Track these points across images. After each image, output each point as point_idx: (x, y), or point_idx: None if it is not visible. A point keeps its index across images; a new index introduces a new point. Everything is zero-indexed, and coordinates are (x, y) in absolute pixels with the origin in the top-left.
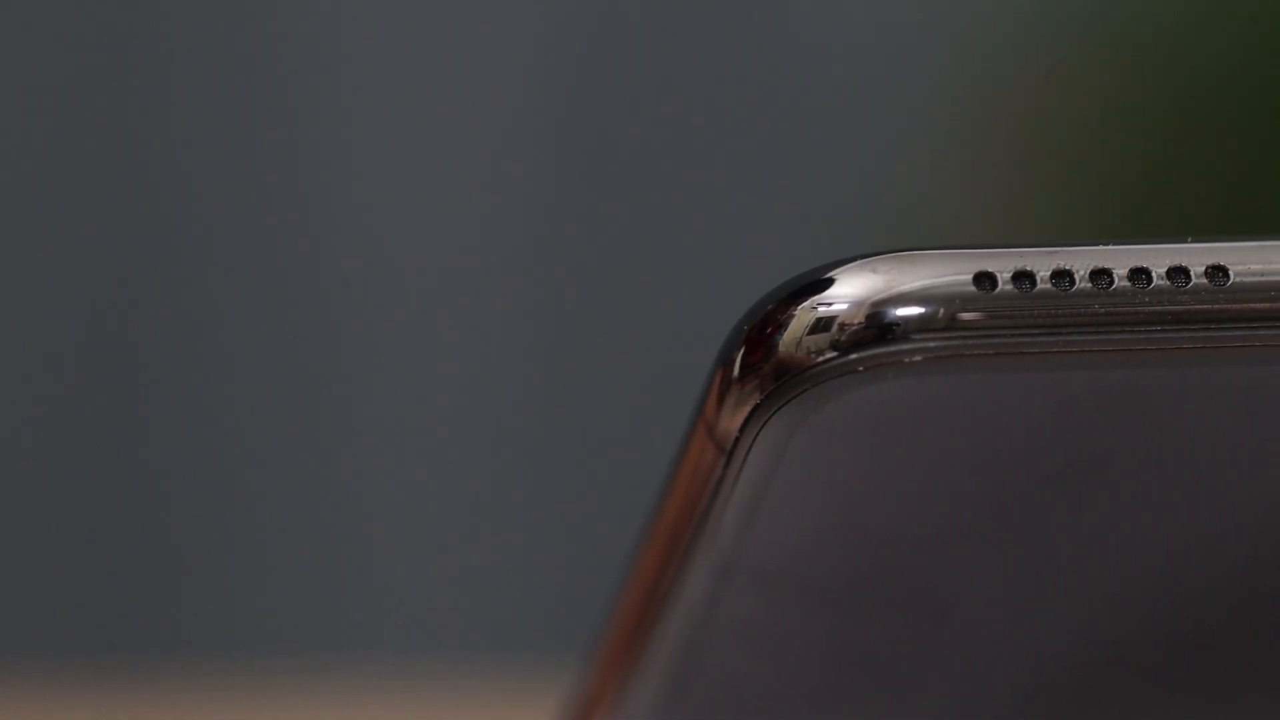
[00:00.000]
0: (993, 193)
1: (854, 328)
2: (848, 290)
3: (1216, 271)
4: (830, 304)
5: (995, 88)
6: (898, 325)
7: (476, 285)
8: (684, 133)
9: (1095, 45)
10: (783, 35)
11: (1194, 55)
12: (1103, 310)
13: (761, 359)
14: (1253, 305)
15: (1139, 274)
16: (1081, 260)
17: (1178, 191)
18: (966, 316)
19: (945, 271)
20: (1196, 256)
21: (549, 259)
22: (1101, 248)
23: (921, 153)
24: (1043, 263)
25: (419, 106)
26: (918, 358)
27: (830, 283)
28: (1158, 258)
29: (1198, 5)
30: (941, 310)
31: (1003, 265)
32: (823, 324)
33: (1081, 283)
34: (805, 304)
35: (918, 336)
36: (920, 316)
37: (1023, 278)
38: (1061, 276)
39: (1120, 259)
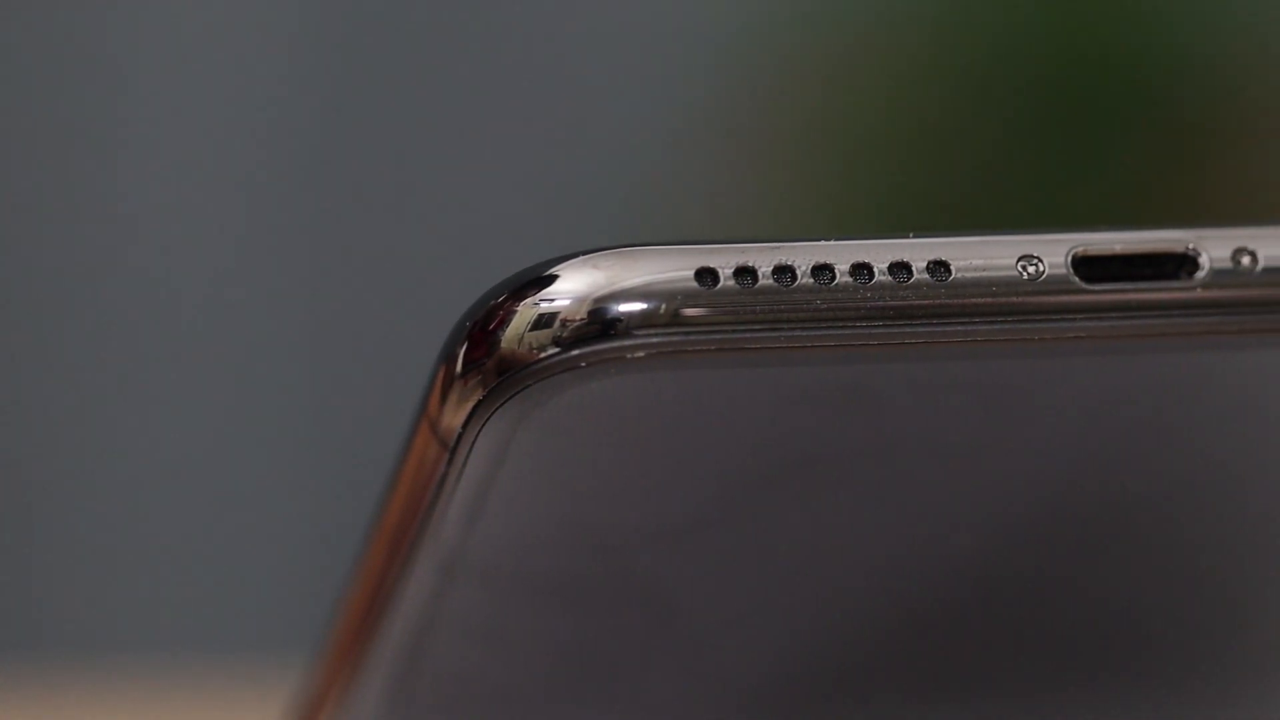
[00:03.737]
0: (746, 189)
1: (576, 324)
2: (570, 286)
3: (938, 267)
4: (552, 300)
5: (749, 85)
6: (620, 321)
7: (210, 284)
8: (432, 127)
9: (834, 45)
10: (527, 31)
11: (957, 54)
12: (824, 306)
13: (484, 355)
14: (974, 300)
15: (861, 269)
16: (803, 256)
17: (934, 186)
18: (688, 312)
19: (667, 267)
20: (918, 252)
21: (289, 258)
22: (824, 243)
23: (671, 150)
24: (764, 258)
25: (152, 107)
26: (640, 354)
27: (553, 279)
28: (879, 253)
29: (965, 5)
30: (663, 306)
31: (724, 261)
32: (545, 320)
33: (803, 278)
34: (528, 300)
35: (640, 332)
36: (642, 312)
37: (744, 273)
38: (783, 272)
39: (842, 254)
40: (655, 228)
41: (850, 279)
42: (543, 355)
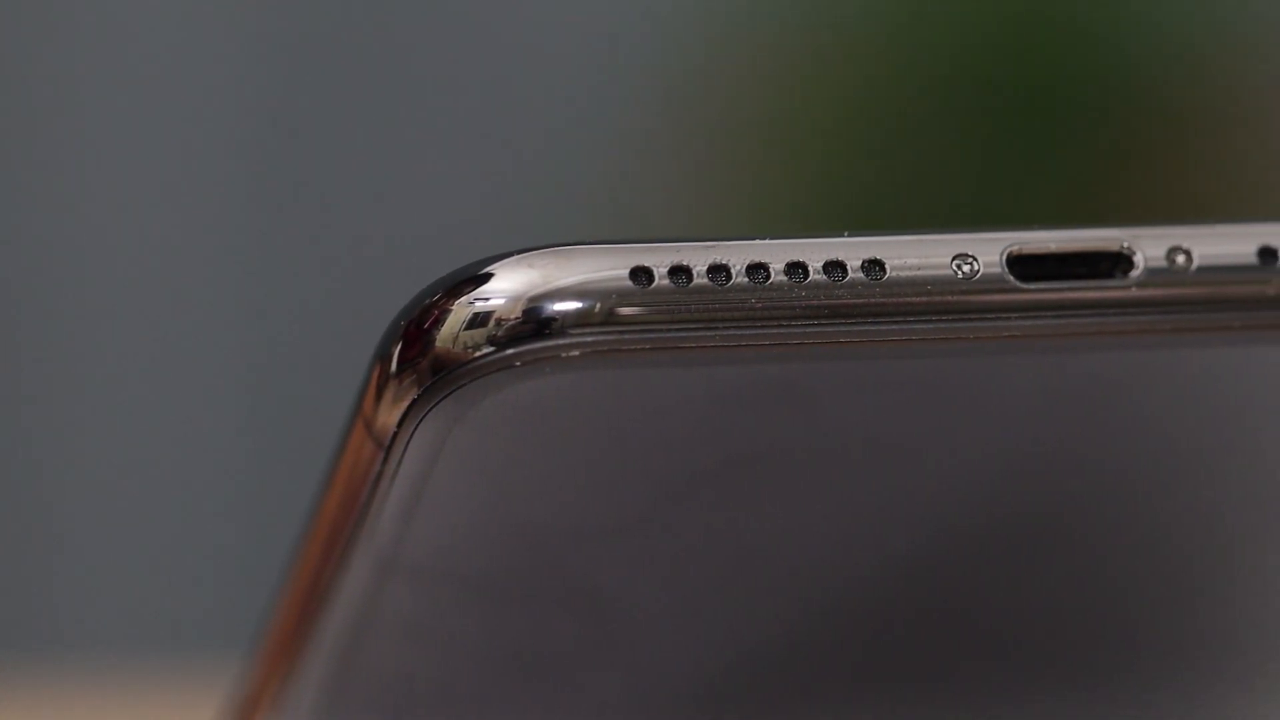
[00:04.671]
0: (681, 189)
1: (511, 323)
2: (505, 285)
3: (873, 266)
4: (487, 299)
5: (682, 86)
6: (554, 320)
7: (160, 282)
8: (372, 128)
9: (779, 46)
10: (469, 31)
11: (906, 57)
12: (759, 305)
13: (418, 354)
14: (909, 299)
15: (795, 268)
16: (738, 255)
17: (864, 188)
18: (623, 311)
19: (602, 266)
20: (853, 251)
21: (230, 257)
22: (758, 242)
23: (609, 148)
24: (699, 257)
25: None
26: (575, 353)
27: (488, 277)
28: (814, 252)
29: (879, 8)
30: (598, 305)
31: (659, 260)
32: (480, 319)
33: (738, 277)
34: (463, 299)
35: (574, 331)
36: (577, 311)
37: (679, 272)
38: (718, 271)
39: (777, 253)
40: (606, 228)
41: (785, 278)
42: (477, 354)
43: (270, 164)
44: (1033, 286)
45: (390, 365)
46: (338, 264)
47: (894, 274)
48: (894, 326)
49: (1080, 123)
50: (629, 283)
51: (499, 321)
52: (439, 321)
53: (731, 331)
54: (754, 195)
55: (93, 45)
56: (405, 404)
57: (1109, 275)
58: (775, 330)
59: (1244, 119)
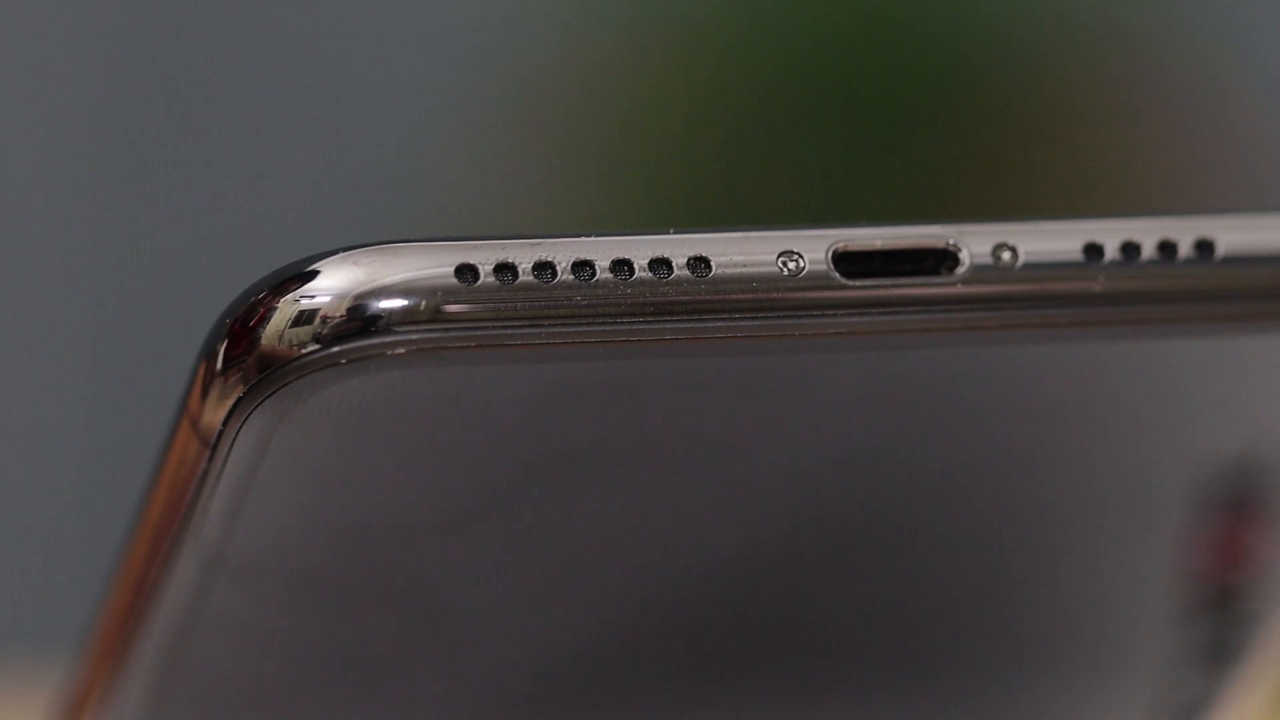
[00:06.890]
0: (517, 187)
1: (336, 320)
2: (330, 283)
3: (699, 263)
4: (313, 296)
5: (520, 84)
6: (380, 318)
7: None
8: (208, 123)
9: (618, 45)
10: (308, 26)
11: (714, 56)
12: (585, 301)
13: (244, 352)
14: (734, 296)
15: (621, 265)
16: (563, 251)
17: (701, 186)
18: (449, 309)
19: (427, 264)
20: (679, 248)
21: (63, 253)
22: (584, 239)
23: (445, 146)
24: (525, 254)
25: None
26: (400, 350)
27: (314, 275)
28: (640, 249)
29: (717, 8)
30: (423, 302)
31: (484, 257)
32: (305, 316)
33: (564, 274)
34: (288, 296)
35: (400, 329)
36: (402, 309)
37: (504, 270)
38: (543, 268)
39: (603, 250)
40: (441, 226)
41: (610, 275)
42: (303, 352)
43: (104, 159)
44: (858, 283)
45: (216, 363)
46: (168, 260)
47: (719, 271)
48: (720, 323)
49: (916, 122)
50: (454, 280)
51: (324, 319)
52: (264, 319)
53: (557, 329)
54: (590, 193)
55: None
56: (230, 402)
57: (935, 272)
58: (601, 327)
59: (1074, 119)
